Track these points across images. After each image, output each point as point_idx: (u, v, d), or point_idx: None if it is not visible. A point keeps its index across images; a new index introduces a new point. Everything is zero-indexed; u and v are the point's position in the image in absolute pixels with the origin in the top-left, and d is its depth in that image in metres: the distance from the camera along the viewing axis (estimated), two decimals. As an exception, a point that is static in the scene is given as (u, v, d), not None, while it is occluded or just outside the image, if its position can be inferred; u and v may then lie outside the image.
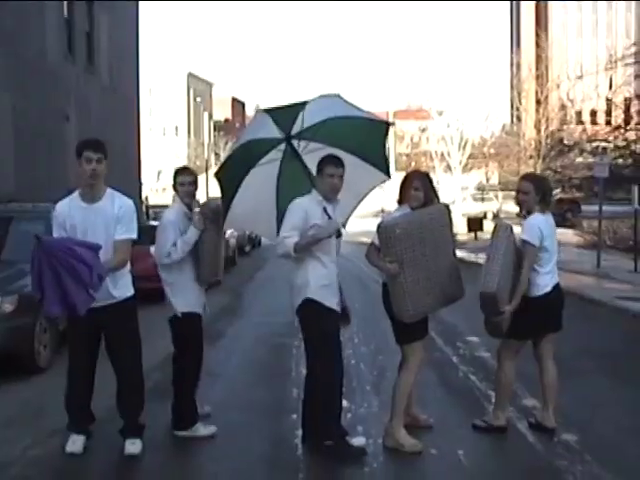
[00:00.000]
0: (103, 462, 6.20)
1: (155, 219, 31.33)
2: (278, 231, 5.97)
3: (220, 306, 14.25)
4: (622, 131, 23.26)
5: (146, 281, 14.67)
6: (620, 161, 26.82)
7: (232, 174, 6.26)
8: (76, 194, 6.12)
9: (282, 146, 6.22)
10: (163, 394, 7.84)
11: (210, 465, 6.16)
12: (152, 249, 15.92)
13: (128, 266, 6.26)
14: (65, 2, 21.46)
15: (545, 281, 6.36)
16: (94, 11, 23.75)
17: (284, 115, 6.13)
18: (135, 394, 6.34)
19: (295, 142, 6.19)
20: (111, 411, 6.63)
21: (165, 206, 46.75)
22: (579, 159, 27.20)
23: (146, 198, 33.20)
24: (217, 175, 6.28)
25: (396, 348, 6.45)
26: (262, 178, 6.23)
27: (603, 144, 22.57)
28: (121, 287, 6.14)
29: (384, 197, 30.84)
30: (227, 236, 23.51)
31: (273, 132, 6.12)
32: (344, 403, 7.03)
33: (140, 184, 29.93)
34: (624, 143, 24.70)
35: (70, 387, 6.36)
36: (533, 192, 6.39)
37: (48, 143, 19.16)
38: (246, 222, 6.93)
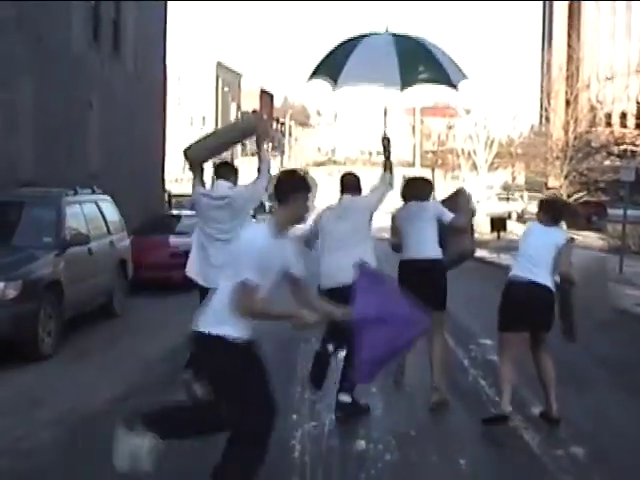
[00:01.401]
0: (94, 456, 6.07)
1: (178, 208, 31.32)
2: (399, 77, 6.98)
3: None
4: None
5: (161, 270, 14.75)
6: (648, 165, 26.40)
7: (339, 53, 7.26)
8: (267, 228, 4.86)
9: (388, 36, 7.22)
10: (167, 387, 7.75)
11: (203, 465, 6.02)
12: (172, 239, 16.02)
13: None
14: (92, -11, 21.42)
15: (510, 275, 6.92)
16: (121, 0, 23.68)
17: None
18: None
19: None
20: (111, 404, 6.51)
21: (189, 195, 47.06)
22: (606, 162, 26.76)
23: (169, 193, 33.14)
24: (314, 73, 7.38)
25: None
26: (379, 40, 7.21)
27: (631, 147, 22.16)
28: None
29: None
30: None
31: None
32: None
33: (163, 174, 29.85)
34: (652, 147, 24.32)
35: None
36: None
37: (70, 131, 19.10)
38: (360, 74, 7.22)
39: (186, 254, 14.73)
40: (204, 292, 6.67)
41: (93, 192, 12.28)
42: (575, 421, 6.77)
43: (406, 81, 7.10)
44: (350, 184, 7.30)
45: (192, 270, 7.55)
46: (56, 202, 10.62)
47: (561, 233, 7.06)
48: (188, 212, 20.49)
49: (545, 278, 6.70)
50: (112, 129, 21.80)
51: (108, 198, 12.69)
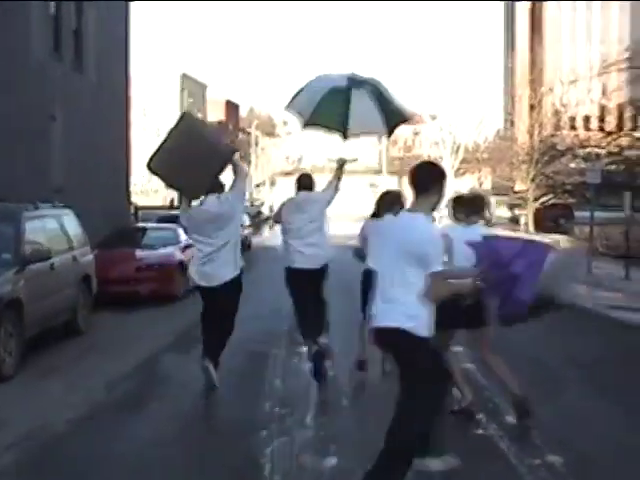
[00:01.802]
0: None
1: (144, 221, 30.91)
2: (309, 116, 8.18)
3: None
4: (615, 137, 22.95)
5: (127, 284, 14.45)
6: (613, 167, 26.50)
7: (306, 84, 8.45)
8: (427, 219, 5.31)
9: (344, 83, 8.18)
10: (134, 406, 7.55)
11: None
12: (137, 253, 15.74)
13: None
14: (52, -1, 21.09)
15: None
16: (83, 8, 23.34)
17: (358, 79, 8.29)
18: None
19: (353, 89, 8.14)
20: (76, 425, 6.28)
21: (155, 207, 46.19)
22: (572, 165, 26.93)
23: (135, 205, 32.73)
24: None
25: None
26: (323, 83, 8.29)
27: (596, 150, 22.28)
28: None
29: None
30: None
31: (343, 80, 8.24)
32: (317, 418, 6.76)
33: (128, 186, 29.44)
34: (617, 149, 24.38)
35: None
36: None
37: (31, 144, 18.77)
38: (297, 104, 8.38)
39: (152, 267, 14.69)
40: (204, 292, 8.17)
41: (54, 206, 12.00)
42: (550, 426, 6.63)
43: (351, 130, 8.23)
44: (305, 183, 8.80)
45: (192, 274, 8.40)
46: (15, 217, 10.33)
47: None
48: (155, 225, 20.23)
49: None
50: (76, 141, 21.48)
51: (70, 212, 12.38)
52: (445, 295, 5.09)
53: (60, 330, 11.22)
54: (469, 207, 7.14)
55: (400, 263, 4.94)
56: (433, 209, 5.19)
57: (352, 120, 8.11)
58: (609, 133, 24.70)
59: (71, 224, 12.16)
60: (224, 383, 8.74)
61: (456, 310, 6.12)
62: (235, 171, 8.36)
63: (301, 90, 8.39)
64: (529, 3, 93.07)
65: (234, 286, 8.14)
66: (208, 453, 6.32)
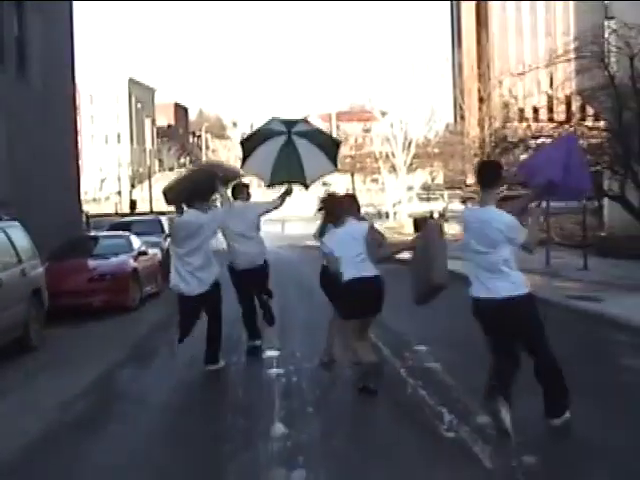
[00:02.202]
0: None
1: (96, 229, 30.35)
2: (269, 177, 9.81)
3: (155, 321, 13.55)
4: (566, 127, 23.06)
5: (80, 296, 13.99)
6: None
7: (252, 143, 10.07)
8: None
9: (285, 136, 9.79)
10: (91, 426, 7.22)
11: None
12: (89, 262, 15.27)
13: None
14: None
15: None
16: (24, 13, 22.77)
17: (288, 122, 10.07)
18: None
19: (293, 136, 9.81)
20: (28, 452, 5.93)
21: (107, 215, 45.58)
22: (523, 156, 27.04)
23: (86, 214, 32.16)
24: (242, 142, 10.40)
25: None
26: (271, 146, 9.78)
27: (550, 140, 22.35)
28: None
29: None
30: (167, 244, 22.74)
31: (281, 127, 9.90)
32: (282, 429, 6.53)
33: (79, 194, 28.84)
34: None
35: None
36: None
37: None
38: (254, 167, 10.04)
39: (105, 277, 14.22)
40: (184, 300, 9.03)
41: (0, 220, 11.56)
42: (522, 425, 6.44)
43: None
44: (240, 191, 9.94)
45: (174, 282, 9.13)
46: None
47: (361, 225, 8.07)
48: (106, 233, 19.76)
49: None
50: (22, 152, 20.97)
51: (17, 224, 11.97)
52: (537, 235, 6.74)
53: (11, 347, 10.76)
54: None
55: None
56: (496, 200, 6.43)
57: (307, 171, 9.71)
58: (560, 123, 24.73)
59: (18, 236, 11.73)
60: (181, 396, 8.48)
61: (368, 300, 7.73)
62: (222, 196, 9.61)
63: (251, 150, 9.92)
64: (473, 3, 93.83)
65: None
66: (170, 473, 6.03)
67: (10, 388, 9.02)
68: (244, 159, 10.00)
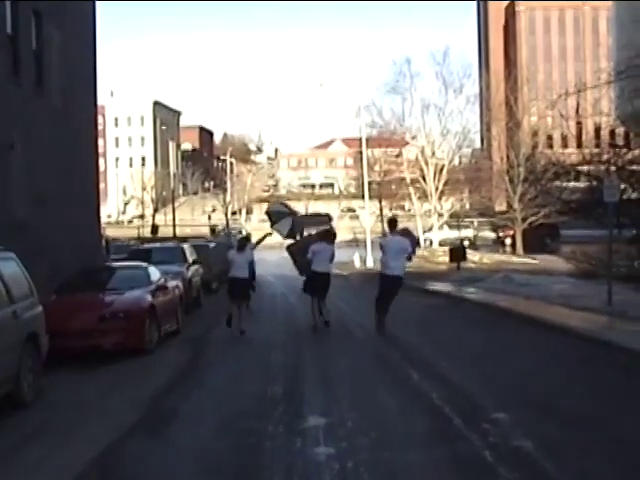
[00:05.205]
0: None
1: (116, 253, 28.81)
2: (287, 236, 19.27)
3: (175, 367, 11.90)
4: (625, 151, 21.46)
5: (86, 337, 11.78)
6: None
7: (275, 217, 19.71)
8: None
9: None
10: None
11: None
12: (101, 298, 13.13)
13: None
14: (9, 17, 19.15)
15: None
16: (44, 27, 21.44)
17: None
18: None
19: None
20: None
21: (128, 239, 44.06)
22: (572, 183, 25.53)
23: (106, 238, 30.67)
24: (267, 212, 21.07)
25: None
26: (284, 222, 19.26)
27: (603, 167, 20.85)
28: None
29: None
30: (190, 274, 21.20)
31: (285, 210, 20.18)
32: None
33: (99, 218, 27.31)
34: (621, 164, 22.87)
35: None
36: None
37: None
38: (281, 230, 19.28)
39: (118, 315, 12.23)
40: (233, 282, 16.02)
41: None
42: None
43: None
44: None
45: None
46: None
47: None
48: (122, 264, 17.86)
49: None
50: (39, 171, 19.65)
51: (12, 255, 10.03)
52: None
53: (-1, 404, 8.81)
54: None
55: None
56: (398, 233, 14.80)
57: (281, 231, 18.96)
58: (616, 146, 23.10)
59: (11, 271, 9.73)
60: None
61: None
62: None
63: (279, 222, 19.00)
64: (501, 25, 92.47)
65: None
66: None
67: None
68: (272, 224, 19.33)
